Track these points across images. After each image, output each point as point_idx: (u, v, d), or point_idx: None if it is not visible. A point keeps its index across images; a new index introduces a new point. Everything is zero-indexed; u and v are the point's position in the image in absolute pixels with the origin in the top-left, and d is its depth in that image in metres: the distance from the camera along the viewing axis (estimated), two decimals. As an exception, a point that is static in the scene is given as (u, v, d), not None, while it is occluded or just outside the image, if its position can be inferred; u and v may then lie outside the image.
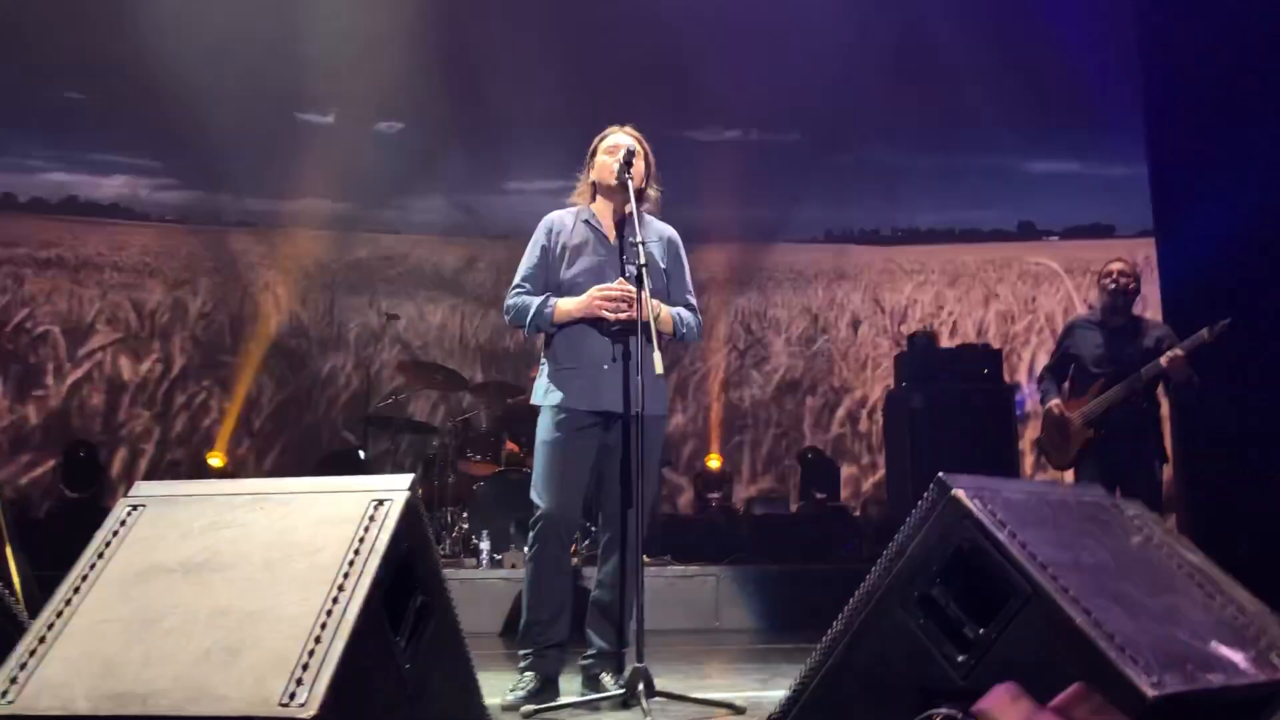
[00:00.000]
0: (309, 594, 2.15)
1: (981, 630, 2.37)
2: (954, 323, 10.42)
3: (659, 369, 3.40)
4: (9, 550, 3.27)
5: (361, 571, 2.19)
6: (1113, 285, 5.44)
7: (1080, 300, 10.09)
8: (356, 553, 2.22)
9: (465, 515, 6.92)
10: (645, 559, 6.80)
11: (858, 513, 9.12)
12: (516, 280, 3.81)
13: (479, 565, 6.60)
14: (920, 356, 7.21)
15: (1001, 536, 2.37)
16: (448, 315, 10.07)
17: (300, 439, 9.43)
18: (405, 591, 2.36)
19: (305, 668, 2.01)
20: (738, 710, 3.42)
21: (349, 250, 9.98)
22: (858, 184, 10.57)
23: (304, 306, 9.76)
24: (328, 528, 2.28)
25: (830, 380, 10.38)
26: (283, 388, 9.56)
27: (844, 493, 9.38)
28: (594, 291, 3.62)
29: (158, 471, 9.00)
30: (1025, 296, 10.49)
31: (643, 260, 3.50)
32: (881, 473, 9.44)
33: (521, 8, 9.69)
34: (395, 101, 9.91)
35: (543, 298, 3.71)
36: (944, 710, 2.21)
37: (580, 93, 9.12)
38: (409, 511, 2.35)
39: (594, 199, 3.91)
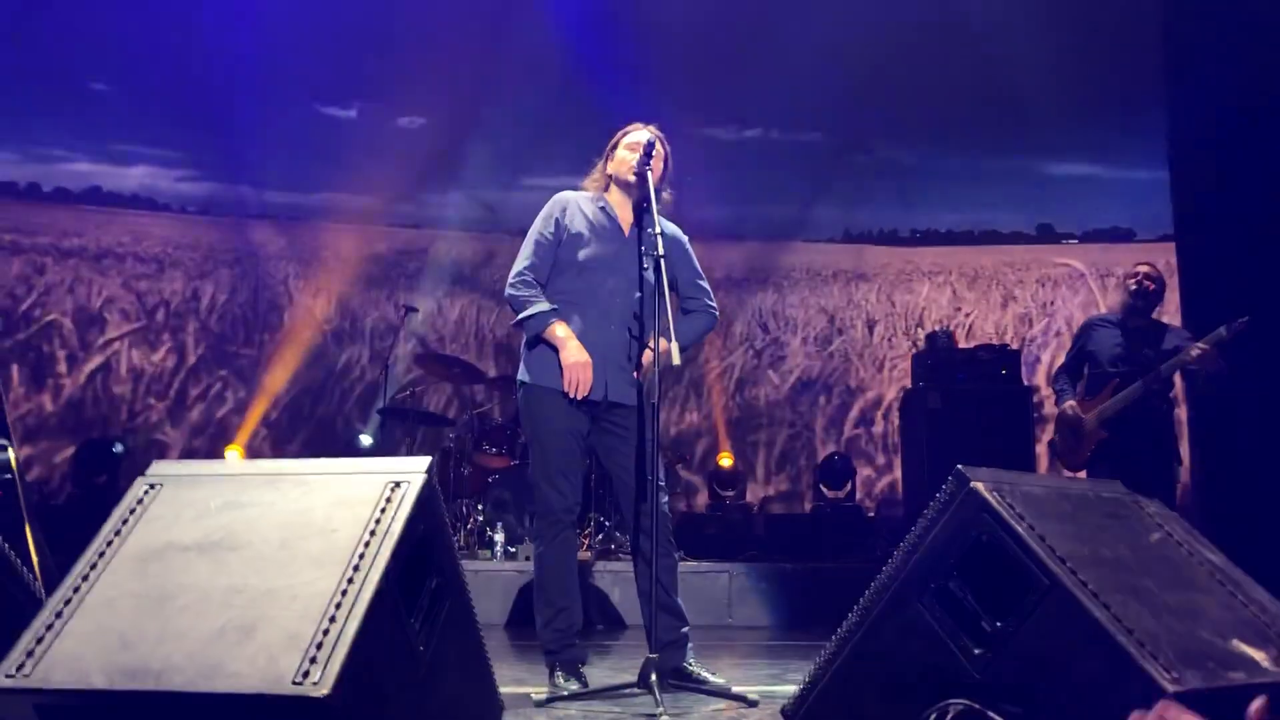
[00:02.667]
0: (324, 574, 2.15)
1: (999, 624, 2.36)
2: (971, 324, 10.38)
3: (676, 359, 3.39)
4: (29, 530, 3.28)
5: (377, 552, 2.18)
6: (1135, 286, 5.43)
7: (1103, 304, 10.03)
8: (372, 534, 2.22)
9: (480, 508, 6.93)
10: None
11: (872, 513, 9.09)
12: (523, 264, 3.74)
13: (493, 557, 6.61)
14: (938, 356, 7.17)
15: (1020, 529, 2.35)
16: (466, 309, 10.08)
17: (316, 431, 9.45)
18: (420, 574, 2.36)
19: (319, 646, 2.01)
20: (750, 703, 3.41)
21: (369, 244, 10.00)
22: (877, 184, 10.54)
23: (323, 300, 9.78)
24: (344, 508, 2.28)
25: (846, 380, 10.35)
26: (299, 380, 9.58)
27: (858, 493, 9.35)
28: (576, 365, 3.58)
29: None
30: (1044, 299, 10.44)
31: (661, 252, 3.50)
32: (895, 474, 9.41)
33: (542, 5, 9.69)
34: (417, 97, 9.93)
35: (548, 308, 3.67)
36: (960, 702, 2.19)
37: (600, 90, 9.12)
38: (426, 494, 2.34)
39: (607, 190, 3.91)
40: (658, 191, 3.75)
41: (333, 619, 2.06)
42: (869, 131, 10.26)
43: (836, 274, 10.67)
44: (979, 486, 2.43)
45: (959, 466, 2.47)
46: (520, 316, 3.71)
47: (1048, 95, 9.93)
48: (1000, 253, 10.63)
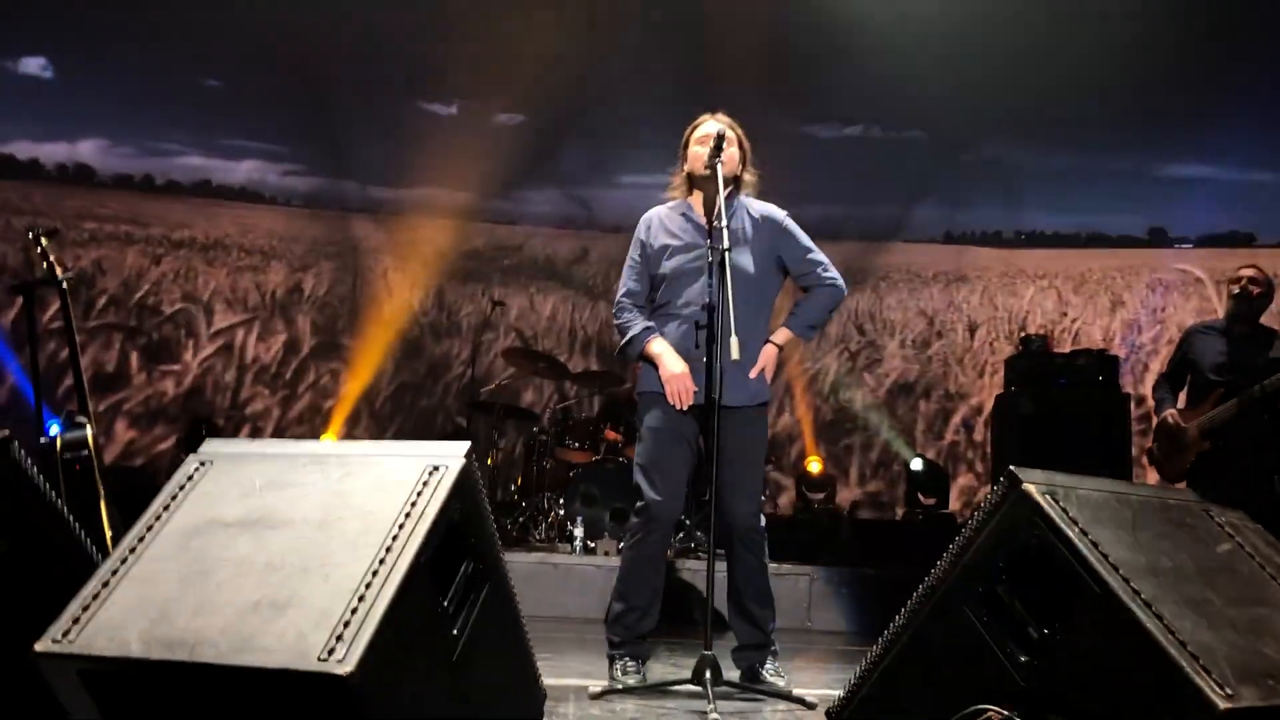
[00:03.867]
0: (358, 554, 2.17)
1: (1046, 630, 2.27)
2: (1077, 330, 10.05)
3: (735, 354, 3.34)
4: (104, 505, 3.41)
5: (411, 534, 2.20)
6: (1238, 290, 5.20)
7: (1221, 310, 9.60)
8: (408, 516, 2.24)
9: (561, 501, 6.96)
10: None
11: (964, 521, 8.87)
12: (621, 291, 3.86)
13: (573, 551, 6.64)
14: (1032, 361, 6.94)
15: (1071, 534, 2.27)
16: (558, 305, 10.16)
17: (415, 423, 9.62)
18: (456, 558, 2.37)
19: (347, 625, 2.03)
20: (808, 705, 3.35)
21: (466, 239, 10.13)
22: (980, 184, 10.28)
23: (420, 293, 9.96)
24: (382, 490, 2.31)
25: (945, 385, 10.12)
26: (398, 372, 9.77)
27: (956, 501, 9.13)
28: (674, 377, 3.64)
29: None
30: (1154, 305, 10.05)
31: (726, 245, 3.45)
32: (995, 482, 9.16)
33: (643, 4, 9.72)
34: (516, 94, 10.03)
35: (642, 328, 3.75)
36: (995, 710, 2.12)
37: (699, 87, 9.08)
38: (464, 478, 2.35)
39: (691, 191, 3.89)
40: (740, 177, 3.77)
41: (362, 598, 2.08)
42: (973, 129, 10.01)
43: (936, 275, 10.44)
44: (1031, 488, 2.34)
45: (1011, 467, 2.39)
46: (621, 344, 3.84)
47: (1164, 94, 9.59)
48: (1109, 256, 10.27)
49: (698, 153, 3.77)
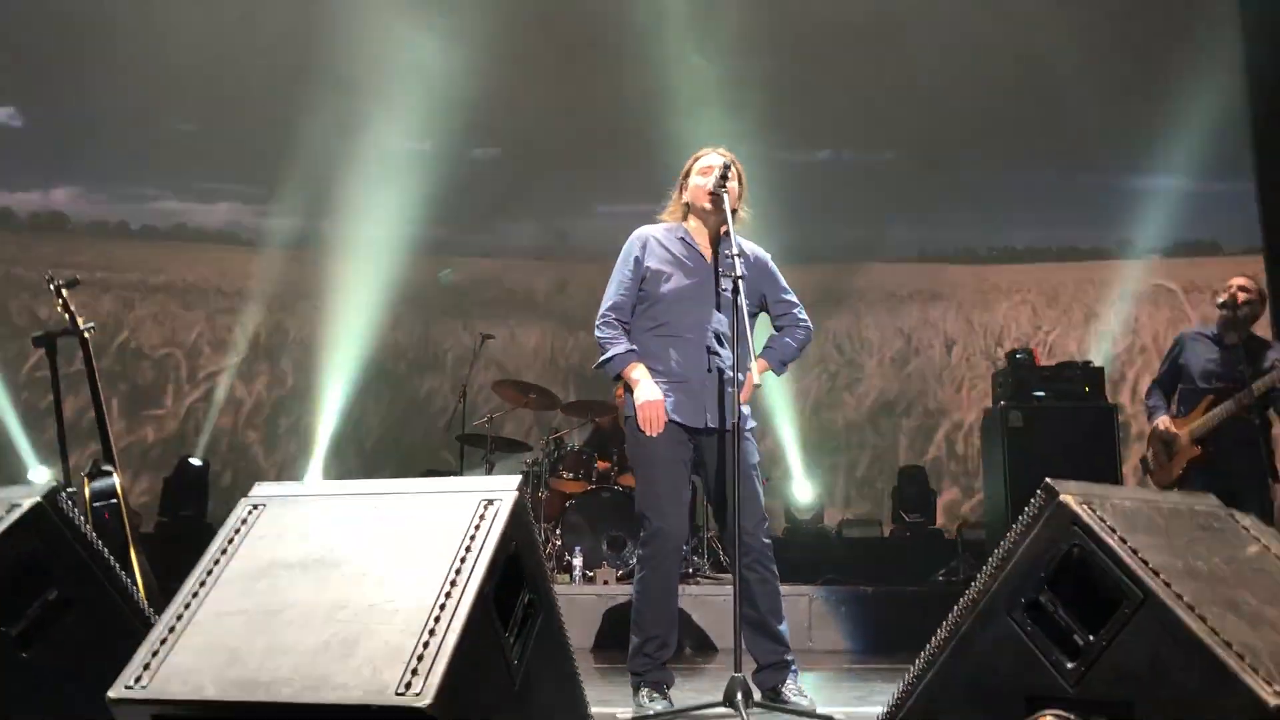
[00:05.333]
0: (423, 589, 2.21)
1: (1092, 637, 2.34)
2: (1052, 343, 10.23)
3: (757, 379, 3.41)
4: (134, 553, 3.41)
5: (473, 568, 2.24)
6: (1225, 298, 5.33)
7: (1194, 317, 9.80)
8: (468, 550, 2.28)
9: (558, 532, 6.99)
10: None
11: (953, 536, 8.96)
12: (607, 304, 3.82)
13: (571, 581, 6.66)
14: (1019, 375, 7.06)
15: (1111, 542, 2.34)
16: (540, 337, 10.20)
17: (399, 459, 9.60)
18: (513, 589, 2.41)
19: (420, 659, 2.07)
20: (837, 723, 3.40)
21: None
22: (952, 203, 10.44)
23: (401, 330, 9.96)
24: (440, 525, 2.35)
25: (925, 402, 10.25)
26: (381, 409, 9.76)
27: (941, 516, 9.23)
28: (647, 404, 3.66)
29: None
30: (1127, 316, 10.24)
31: (738, 273, 3.51)
32: (978, 496, 9.27)
33: (608, 32, 9.83)
34: (490, 128, 10.11)
35: (624, 349, 3.74)
36: (1056, 712, 2.18)
37: (670, 116, 9.20)
38: (517, 511, 2.40)
39: (686, 218, 3.93)
40: (734, 211, 3.79)
41: (432, 632, 2.12)
42: (943, 150, 10.18)
43: (913, 294, 10.58)
44: (1069, 499, 2.42)
45: (1048, 479, 2.46)
46: (601, 359, 3.80)
47: (1123, 107, 9.83)
48: (1080, 269, 10.47)
49: (700, 183, 3.82)
